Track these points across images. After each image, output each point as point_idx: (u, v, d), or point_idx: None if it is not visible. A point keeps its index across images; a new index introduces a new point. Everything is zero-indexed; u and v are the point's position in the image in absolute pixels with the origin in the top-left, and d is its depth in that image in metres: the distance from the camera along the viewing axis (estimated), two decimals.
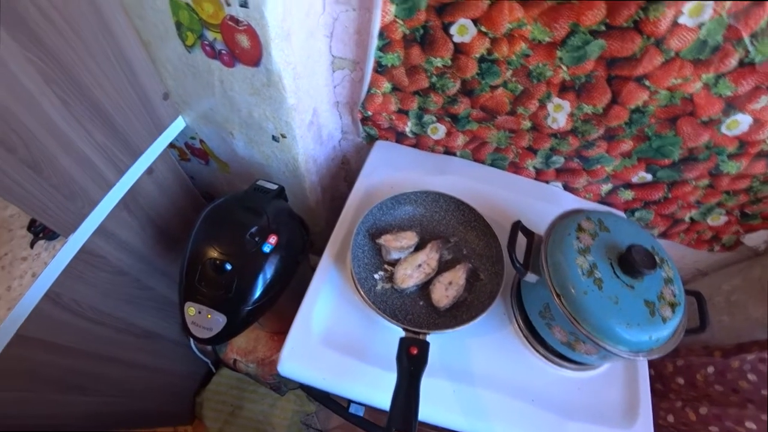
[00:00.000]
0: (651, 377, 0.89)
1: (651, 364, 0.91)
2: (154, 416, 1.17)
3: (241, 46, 0.64)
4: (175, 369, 1.18)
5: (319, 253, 0.73)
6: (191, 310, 0.69)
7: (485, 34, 0.63)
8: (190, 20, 0.65)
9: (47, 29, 0.58)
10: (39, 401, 0.76)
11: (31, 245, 0.69)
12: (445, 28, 0.65)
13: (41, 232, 0.69)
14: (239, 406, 1.22)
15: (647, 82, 0.62)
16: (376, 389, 0.61)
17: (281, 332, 1.12)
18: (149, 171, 0.83)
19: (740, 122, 0.64)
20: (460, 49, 0.67)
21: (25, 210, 0.63)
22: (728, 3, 0.52)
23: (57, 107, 0.63)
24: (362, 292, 0.63)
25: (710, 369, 0.78)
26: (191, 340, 1.13)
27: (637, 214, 0.87)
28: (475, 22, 0.63)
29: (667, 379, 0.86)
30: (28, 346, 0.69)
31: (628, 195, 0.84)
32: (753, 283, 0.81)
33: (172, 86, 0.80)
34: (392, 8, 0.64)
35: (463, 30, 0.64)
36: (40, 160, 0.62)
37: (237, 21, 0.61)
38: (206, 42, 0.67)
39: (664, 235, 0.90)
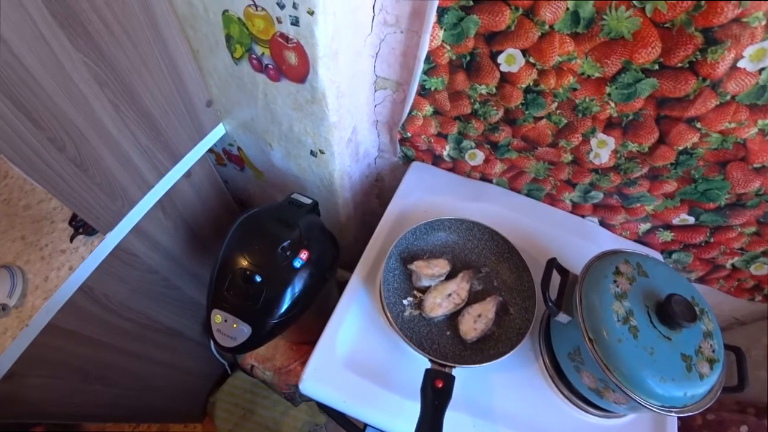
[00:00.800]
0: (677, 429, 0.86)
1: None
2: (167, 411, 1.19)
3: (288, 63, 0.65)
4: (193, 367, 1.19)
5: (346, 267, 0.73)
6: (218, 317, 0.70)
7: (533, 65, 0.62)
8: (240, 34, 0.66)
9: (106, 37, 0.60)
10: (64, 389, 0.79)
11: (71, 239, 0.71)
12: (493, 56, 0.64)
13: (81, 227, 0.72)
14: (251, 410, 1.23)
15: (698, 124, 0.60)
16: (396, 417, 0.60)
17: (301, 343, 1.13)
18: (187, 174, 0.85)
19: None
20: (506, 78, 0.66)
21: (68, 206, 0.65)
22: None
23: (108, 110, 0.65)
24: (390, 318, 0.62)
25: (744, 428, 0.74)
26: (211, 341, 1.15)
27: (674, 256, 0.84)
28: (524, 52, 0.62)
29: None
30: (59, 336, 0.71)
31: (666, 236, 0.81)
32: None
33: (216, 94, 0.81)
34: (441, 33, 0.64)
35: (510, 60, 0.63)
36: (87, 160, 0.64)
37: (287, 38, 0.62)
38: (254, 56, 0.68)
39: (701, 280, 0.87)
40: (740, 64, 0.52)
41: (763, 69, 0.52)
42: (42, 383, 0.74)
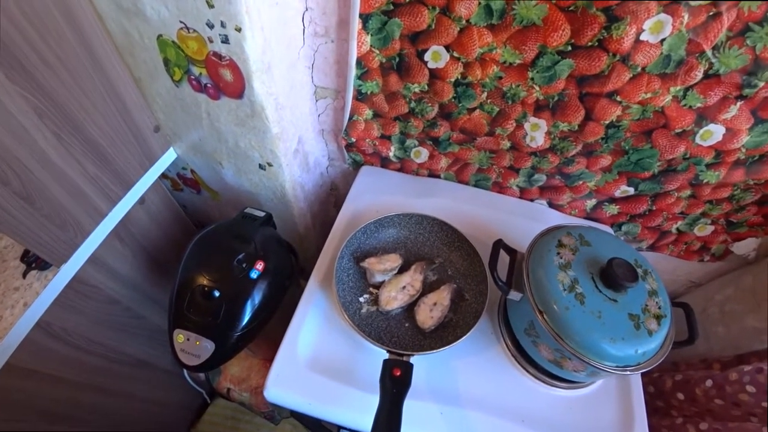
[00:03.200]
0: (651, 394, 0.88)
1: (650, 380, 0.89)
2: None
3: (224, 80, 0.67)
4: (169, 399, 1.16)
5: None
6: (180, 337, 0.70)
7: (458, 59, 0.66)
8: (177, 57, 0.68)
9: (42, 69, 0.61)
10: None
11: (24, 275, 0.70)
12: (420, 55, 0.67)
13: (34, 262, 0.71)
14: None
15: (618, 98, 0.64)
16: (362, 413, 0.60)
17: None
18: (141, 201, 0.85)
19: (713, 132, 0.65)
20: (435, 75, 0.69)
21: (17, 240, 0.65)
22: (686, 18, 0.54)
23: (50, 141, 0.65)
24: (347, 316, 0.63)
25: (709, 383, 0.76)
26: (184, 369, 1.13)
27: (624, 228, 0.87)
28: (447, 48, 0.65)
29: (667, 396, 0.84)
30: (18, 376, 0.69)
31: (612, 209, 0.84)
32: (746, 292, 0.80)
33: (163, 119, 0.83)
34: (368, 38, 0.67)
35: (436, 56, 0.67)
36: (33, 192, 0.64)
37: (220, 56, 0.64)
38: (192, 77, 0.70)
39: (653, 247, 0.90)
40: (643, 37, 0.56)
41: (663, 40, 0.56)
42: (2, 427, 0.71)
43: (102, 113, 0.72)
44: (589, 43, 0.59)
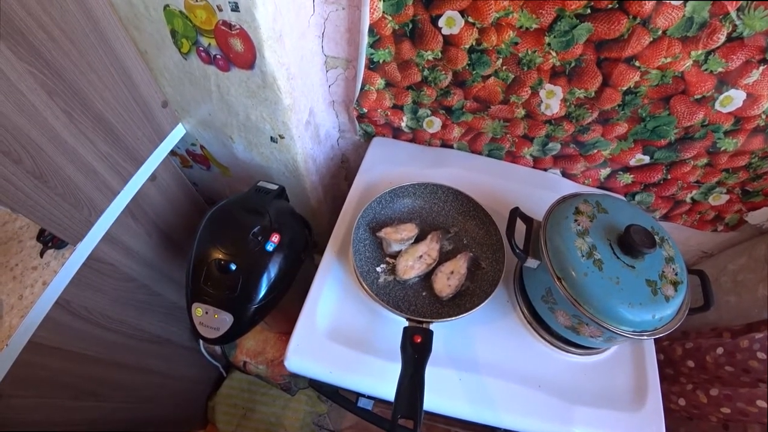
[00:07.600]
0: (660, 362, 0.89)
1: (660, 348, 0.90)
2: (167, 422, 1.18)
3: (235, 50, 0.66)
4: (187, 374, 1.19)
5: (323, 253, 0.74)
6: (198, 310, 0.71)
7: (473, 24, 0.64)
8: (185, 27, 0.66)
9: (48, 44, 0.60)
10: (54, 407, 0.78)
11: (41, 254, 0.71)
12: (433, 21, 0.66)
13: (50, 241, 0.71)
14: (251, 409, 1.24)
15: (637, 63, 0.62)
16: (382, 381, 0.62)
17: (289, 332, 1.13)
18: (152, 178, 0.85)
19: (734, 98, 0.64)
20: (449, 41, 0.68)
21: (33, 219, 0.65)
22: None
23: (61, 119, 0.64)
24: (365, 285, 0.63)
25: (720, 350, 0.77)
26: (201, 344, 1.15)
27: (637, 197, 0.87)
28: (462, 13, 0.63)
29: (677, 363, 0.86)
30: (42, 353, 0.70)
31: (627, 178, 0.84)
32: (759, 262, 0.80)
33: (171, 94, 0.82)
34: (380, 5, 0.65)
35: (450, 22, 0.65)
36: (46, 171, 0.64)
37: (230, 25, 0.62)
38: (201, 48, 0.69)
39: (666, 217, 0.90)
40: None
41: (687, 1, 0.55)
42: (30, 404, 0.73)
43: (110, 89, 0.71)
44: (610, 6, 0.57)
